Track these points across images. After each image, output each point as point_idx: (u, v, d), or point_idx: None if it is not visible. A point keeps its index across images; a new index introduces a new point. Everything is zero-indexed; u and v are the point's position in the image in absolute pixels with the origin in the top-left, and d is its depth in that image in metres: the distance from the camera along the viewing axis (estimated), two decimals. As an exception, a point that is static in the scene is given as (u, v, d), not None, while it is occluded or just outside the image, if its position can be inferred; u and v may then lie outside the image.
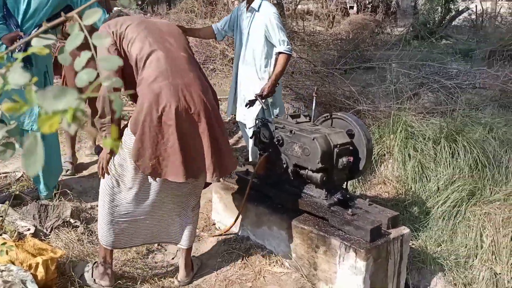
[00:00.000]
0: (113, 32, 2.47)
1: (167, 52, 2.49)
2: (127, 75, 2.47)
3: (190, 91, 2.46)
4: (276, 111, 3.84)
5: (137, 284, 2.81)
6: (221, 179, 3.35)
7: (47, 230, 3.14)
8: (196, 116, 2.45)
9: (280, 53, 3.61)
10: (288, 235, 2.99)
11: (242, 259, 3.13)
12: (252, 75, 3.81)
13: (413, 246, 3.31)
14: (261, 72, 3.75)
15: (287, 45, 3.62)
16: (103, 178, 2.59)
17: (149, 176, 2.52)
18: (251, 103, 3.63)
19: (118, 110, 0.75)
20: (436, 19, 11.26)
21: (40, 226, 3.14)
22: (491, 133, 4.03)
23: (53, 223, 3.17)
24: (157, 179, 2.54)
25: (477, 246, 3.25)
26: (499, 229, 3.23)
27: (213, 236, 3.38)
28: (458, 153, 3.78)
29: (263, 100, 3.63)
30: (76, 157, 4.23)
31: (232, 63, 7.01)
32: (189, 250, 2.87)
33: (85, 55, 0.74)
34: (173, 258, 2.98)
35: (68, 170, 4.07)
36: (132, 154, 2.40)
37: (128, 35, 2.46)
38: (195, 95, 2.47)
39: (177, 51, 2.55)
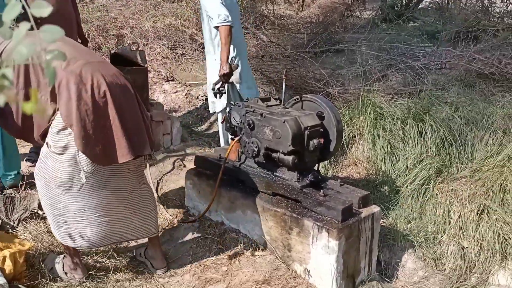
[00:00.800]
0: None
1: (66, 41, 2.41)
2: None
3: (107, 67, 2.43)
4: (249, 91, 3.80)
5: (110, 273, 2.78)
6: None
7: (14, 223, 3.07)
8: (124, 88, 2.42)
9: (216, 27, 3.53)
10: (262, 218, 3.01)
11: (217, 244, 3.14)
12: (211, 61, 3.79)
13: (384, 224, 3.38)
14: (217, 56, 3.67)
15: (222, 17, 3.46)
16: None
17: (89, 169, 2.39)
18: (218, 92, 3.58)
19: (51, 78, 0.72)
20: (404, 1, 11.38)
21: (6, 218, 3.06)
22: (457, 112, 4.13)
23: (20, 215, 3.10)
24: (96, 173, 2.43)
25: (445, 222, 3.35)
26: (466, 204, 3.33)
27: (187, 222, 3.38)
28: (426, 133, 3.85)
29: (222, 84, 3.57)
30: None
31: (202, 48, 6.94)
32: (157, 237, 2.86)
33: (24, 26, 0.71)
34: (146, 249, 2.95)
35: (34, 160, 3.96)
36: (77, 145, 2.27)
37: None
38: (113, 70, 2.45)
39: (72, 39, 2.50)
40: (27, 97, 2.26)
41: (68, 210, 2.47)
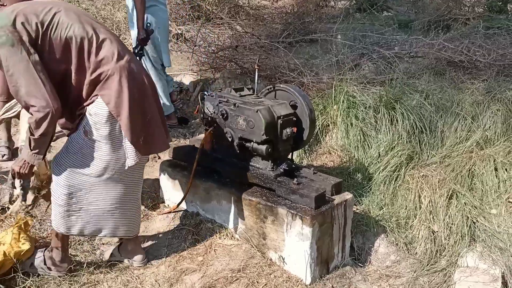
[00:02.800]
0: (36, 24, 2.28)
1: (107, 33, 2.50)
2: (54, 66, 2.36)
3: (139, 63, 2.64)
4: (166, 56, 4.50)
5: (84, 266, 2.77)
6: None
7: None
8: (151, 84, 2.62)
9: None
10: (237, 207, 3.03)
11: (193, 235, 3.15)
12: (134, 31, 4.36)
13: (357, 210, 3.44)
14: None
15: None
16: (17, 179, 2.53)
17: (126, 160, 2.52)
18: (138, 55, 4.18)
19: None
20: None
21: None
22: (427, 100, 4.21)
23: (-9, 210, 3.05)
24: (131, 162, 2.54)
25: (416, 207, 3.43)
26: (436, 190, 3.41)
27: (162, 213, 3.38)
28: (397, 120, 3.92)
29: (141, 48, 4.20)
30: (12, 141, 4.05)
31: (176, 38, 6.88)
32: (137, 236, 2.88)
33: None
34: (119, 246, 2.94)
35: (4, 155, 3.89)
36: (127, 135, 2.43)
37: (61, 21, 2.33)
38: (141, 65, 2.67)
39: (110, 32, 2.57)
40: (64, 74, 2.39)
41: (87, 198, 2.56)
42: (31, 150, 2.36)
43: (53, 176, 2.57)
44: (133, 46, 4.39)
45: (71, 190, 2.53)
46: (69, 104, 2.45)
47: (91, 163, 2.49)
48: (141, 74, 2.54)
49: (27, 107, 2.27)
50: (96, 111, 2.40)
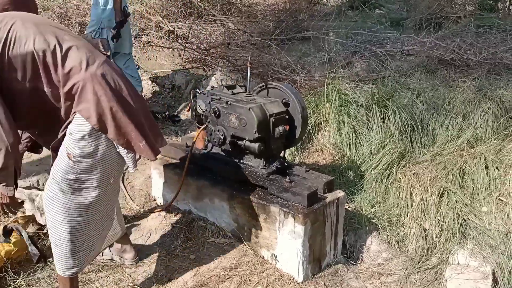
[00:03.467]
0: None
1: (72, 39, 2.27)
2: (18, 85, 2.15)
3: (111, 63, 2.38)
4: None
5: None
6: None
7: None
8: (129, 82, 2.40)
9: None
10: (229, 206, 3.03)
11: (185, 233, 3.14)
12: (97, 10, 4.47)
13: (349, 208, 3.45)
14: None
15: None
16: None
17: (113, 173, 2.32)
18: (115, 36, 4.35)
19: None
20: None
21: None
22: (419, 98, 4.23)
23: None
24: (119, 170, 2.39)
25: (407, 205, 3.45)
26: (427, 187, 3.43)
27: (154, 212, 3.36)
28: (389, 118, 3.94)
29: (119, 30, 4.35)
30: None
31: (168, 35, 6.84)
32: (126, 232, 2.85)
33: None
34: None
35: None
36: (122, 145, 2.21)
37: (18, 36, 2.11)
38: (117, 69, 2.40)
39: (76, 38, 2.35)
40: (34, 91, 2.17)
41: (89, 225, 2.33)
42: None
43: (48, 214, 2.29)
44: (89, 27, 4.44)
45: (73, 224, 2.27)
46: (55, 123, 2.26)
47: (84, 187, 2.24)
48: (117, 75, 2.29)
49: None
50: (77, 129, 2.16)
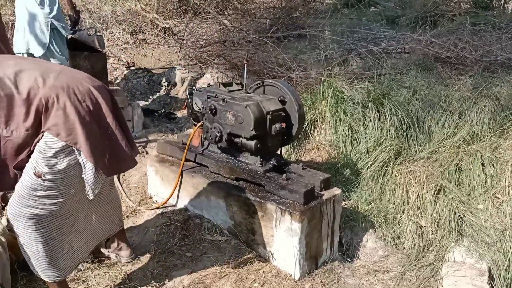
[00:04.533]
0: None
1: (17, 60, 2.13)
2: None
3: (77, 72, 2.26)
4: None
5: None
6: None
7: None
8: (104, 89, 2.24)
9: None
10: (226, 203, 3.02)
11: (181, 230, 3.13)
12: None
13: (345, 206, 3.45)
14: None
15: None
16: None
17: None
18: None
19: None
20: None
21: None
22: (415, 96, 4.23)
23: None
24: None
25: (403, 202, 3.45)
26: (423, 185, 3.44)
27: (150, 209, 3.35)
28: (385, 116, 3.94)
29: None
30: None
31: (164, 33, 6.82)
32: (123, 229, 2.83)
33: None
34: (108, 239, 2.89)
35: None
36: (92, 162, 2.07)
37: None
38: (84, 73, 2.27)
39: (19, 58, 2.22)
40: None
41: (63, 232, 2.25)
42: None
43: (19, 231, 2.17)
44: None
45: (47, 236, 2.18)
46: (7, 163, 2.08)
47: (54, 201, 2.14)
48: (83, 81, 2.14)
49: None
50: (48, 147, 2.03)
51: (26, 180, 2.08)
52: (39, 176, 2.05)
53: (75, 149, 2.06)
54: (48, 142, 2.02)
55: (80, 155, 2.08)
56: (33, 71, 2.04)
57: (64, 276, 2.35)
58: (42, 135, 2.02)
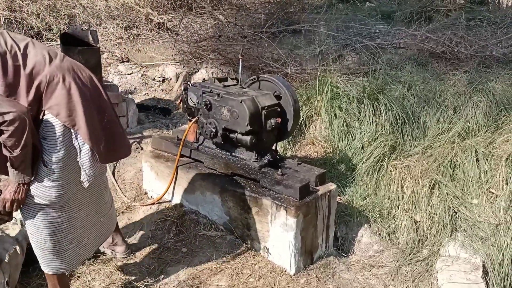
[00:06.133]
0: None
1: (23, 37, 2.13)
2: None
3: (73, 60, 2.26)
4: None
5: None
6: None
7: None
8: (102, 86, 2.28)
9: None
10: (221, 199, 3.02)
11: (177, 226, 3.13)
12: None
13: (340, 201, 3.46)
14: None
15: None
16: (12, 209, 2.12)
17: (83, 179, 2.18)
18: None
19: None
20: (360, -19, 11.49)
21: None
22: (410, 91, 4.24)
23: None
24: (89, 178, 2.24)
25: (398, 197, 3.46)
26: (418, 180, 3.45)
27: (146, 205, 3.34)
28: (380, 111, 3.95)
29: None
30: None
31: (158, 28, 6.77)
32: (117, 225, 2.82)
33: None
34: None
35: None
36: (88, 142, 2.08)
37: None
38: (83, 66, 2.28)
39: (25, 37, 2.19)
40: None
41: (72, 225, 2.26)
42: (17, 169, 2.00)
43: (27, 221, 2.20)
44: None
45: (54, 227, 2.19)
46: None
47: (62, 191, 2.14)
48: (85, 70, 2.17)
49: None
50: (49, 132, 2.03)
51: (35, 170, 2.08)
52: (45, 165, 2.06)
53: (72, 131, 2.07)
54: (48, 126, 2.02)
55: (76, 138, 2.10)
56: (40, 48, 2.06)
57: (68, 269, 2.36)
58: (43, 120, 2.02)
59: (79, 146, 2.11)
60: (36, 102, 2.00)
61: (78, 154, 2.13)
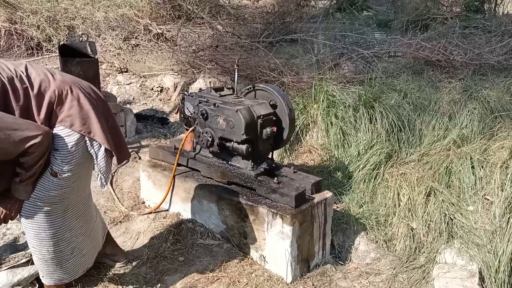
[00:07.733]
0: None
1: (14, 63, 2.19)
2: None
3: (74, 77, 2.34)
4: None
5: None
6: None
7: None
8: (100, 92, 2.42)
9: None
10: (218, 207, 3.03)
11: (174, 235, 3.14)
12: None
13: (337, 209, 3.47)
14: None
15: None
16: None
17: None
18: None
19: None
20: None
21: None
22: (406, 99, 4.27)
23: None
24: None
25: (395, 204, 3.48)
26: (414, 187, 3.47)
27: (143, 214, 3.36)
28: (376, 119, 3.97)
29: None
30: None
31: (157, 38, 6.83)
32: (108, 232, 2.83)
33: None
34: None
35: None
36: (108, 146, 2.17)
37: None
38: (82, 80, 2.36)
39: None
40: None
41: (73, 233, 2.32)
42: (22, 183, 2.05)
43: (30, 233, 2.23)
44: None
45: (57, 237, 2.25)
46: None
47: (70, 199, 2.23)
48: (84, 82, 2.27)
49: (27, 146, 1.91)
50: (63, 143, 2.09)
51: (41, 182, 2.13)
52: (55, 176, 2.11)
53: (87, 139, 2.14)
54: (60, 138, 2.08)
55: (92, 145, 2.17)
56: (39, 68, 2.13)
57: (70, 279, 2.41)
58: (54, 134, 2.07)
59: (95, 152, 2.20)
60: (47, 119, 2.06)
61: (95, 160, 2.21)
